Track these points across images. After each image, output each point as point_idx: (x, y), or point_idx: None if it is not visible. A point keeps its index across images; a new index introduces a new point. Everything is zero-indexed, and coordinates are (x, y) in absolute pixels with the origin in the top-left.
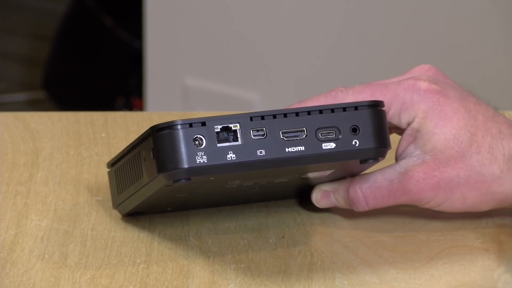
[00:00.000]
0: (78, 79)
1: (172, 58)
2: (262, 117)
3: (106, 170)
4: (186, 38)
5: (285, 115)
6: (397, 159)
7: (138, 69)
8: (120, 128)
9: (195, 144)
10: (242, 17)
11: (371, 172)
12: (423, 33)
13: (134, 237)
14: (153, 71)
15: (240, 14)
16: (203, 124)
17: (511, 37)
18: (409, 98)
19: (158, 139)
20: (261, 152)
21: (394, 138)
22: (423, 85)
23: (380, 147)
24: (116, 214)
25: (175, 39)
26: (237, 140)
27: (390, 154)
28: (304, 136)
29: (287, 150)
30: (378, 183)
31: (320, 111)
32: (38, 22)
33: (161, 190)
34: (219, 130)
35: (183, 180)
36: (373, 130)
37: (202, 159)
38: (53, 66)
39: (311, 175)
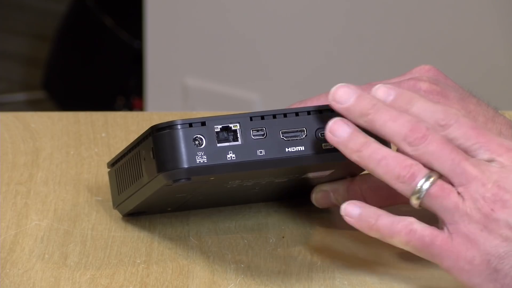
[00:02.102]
0: (78, 79)
1: (172, 58)
2: (262, 117)
3: (106, 170)
4: (186, 38)
5: (285, 115)
6: None
7: (138, 69)
8: (120, 128)
9: (195, 144)
10: (242, 17)
11: None
12: (423, 33)
13: (134, 237)
14: (153, 71)
15: (240, 14)
16: (203, 124)
17: (511, 37)
18: None
19: (158, 138)
20: (261, 152)
21: None
22: (424, 85)
23: None
24: (116, 214)
25: (175, 39)
26: (237, 140)
27: None
28: (304, 136)
29: (287, 150)
30: (378, 183)
31: (320, 111)
32: (38, 22)
33: (161, 190)
34: (219, 130)
35: (183, 180)
36: None
37: (202, 159)
38: (53, 66)
39: (311, 175)
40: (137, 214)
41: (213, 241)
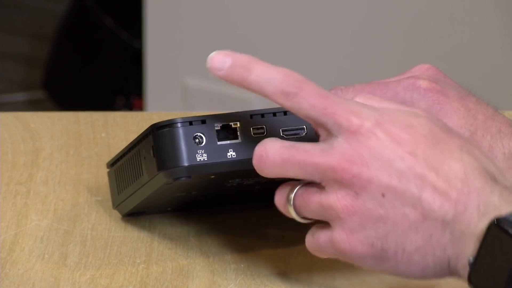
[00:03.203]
0: (78, 79)
1: (172, 58)
2: (262, 115)
3: (106, 170)
4: (186, 38)
5: (285, 113)
6: None
7: (138, 69)
8: (120, 128)
9: (195, 142)
10: (242, 17)
11: None
12: (423, 33)
13: (134, 237)
14: (153, 71)
15: (240, 14)
16: (203, 122)
17: (511, 37)
18: (409, 97)
19: (158, 137)
20: None
21: None
22: (423, 84)
23: None
24: (116, 214)
25: (175, 39)
26: (237, 138)
27: None
28: (304, 134)
29: None
30: None
31: None
32: (38, 22)
33: (161, 188)
34: (219, 128)
35: (183, 178)
36: None
37: (202, 157)
38: (53, 66)
39: None
40: (137, 214)
41: (213, 241)
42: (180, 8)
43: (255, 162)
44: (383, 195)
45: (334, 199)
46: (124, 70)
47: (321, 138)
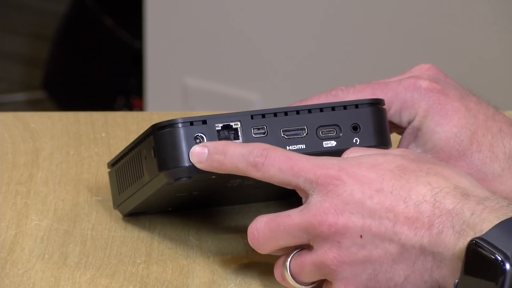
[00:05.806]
0: (78, 79)
1: (172, 58)
2: (263, 116)
3: (106, 170)
4: (186, 38)
5: (285, 113)
6: None
7: (138, 69)
8: (120, 128)
9: (196, 143)
10: (242, 17)
11: None
12: (424, 33)
13: (134, 237)
14: (153, 71)
15: (240, 14)
16: (204, 122)
17: (511, 37)
18: (410, 96)
19: (159, 137)
20: None
21: (394, 138)
22: (424, 83)
23: (381, 145)
24: (116, 214)
25: (175, 39)
26: (238, 139)
27: None
28: (304, 134)
29: (287, 148)
30: None
31: (321, 109)
32: (38, 22)
33: (162, 189)
34: (220, 128)
35: (184, 179)
36: (373, 128)
37: None
38: (53, 66)
39: None
40: (137, 214)
41: (213, 241)
42: (180, 8)
43: (250, 242)
44: (361, 237)
45: (322, 254)
46: (124, 70)
47: (303, 201)
